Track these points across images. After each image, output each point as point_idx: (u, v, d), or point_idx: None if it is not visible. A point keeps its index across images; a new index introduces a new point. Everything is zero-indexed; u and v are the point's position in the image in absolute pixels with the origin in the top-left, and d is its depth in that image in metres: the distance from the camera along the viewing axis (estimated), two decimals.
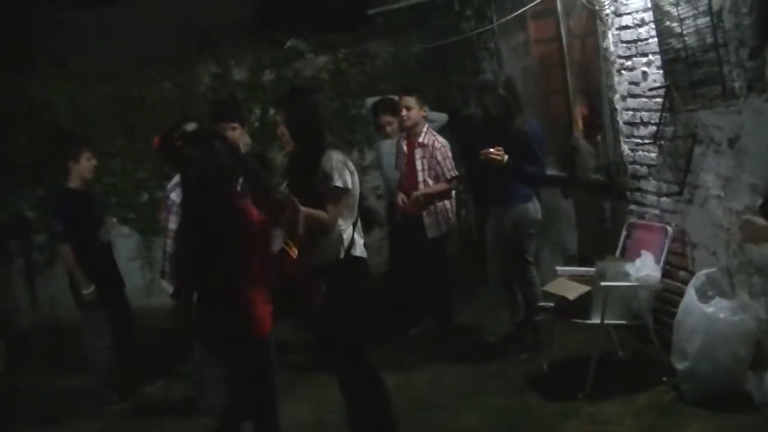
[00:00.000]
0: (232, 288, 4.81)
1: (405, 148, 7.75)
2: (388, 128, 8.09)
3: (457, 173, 7.78)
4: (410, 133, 7.73)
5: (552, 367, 6.69)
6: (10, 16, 10.12)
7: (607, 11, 6.84)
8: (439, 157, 7.64)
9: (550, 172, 7.56)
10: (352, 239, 5.30)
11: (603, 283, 6.06)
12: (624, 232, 6.73)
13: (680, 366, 5.71)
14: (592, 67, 7.27)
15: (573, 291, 6.34)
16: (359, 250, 5.37)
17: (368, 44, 10.29)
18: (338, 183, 5.16)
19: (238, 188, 5.45)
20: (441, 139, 7.77)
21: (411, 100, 7.64)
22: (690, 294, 5.73)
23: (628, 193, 6.97)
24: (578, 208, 7.95)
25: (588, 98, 7.48)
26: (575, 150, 7.65)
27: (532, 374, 6.71)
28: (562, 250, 8.18)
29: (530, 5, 7.88)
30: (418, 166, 7.66)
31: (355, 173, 5.36)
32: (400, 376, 6.69)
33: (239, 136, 6.82)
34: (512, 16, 8.23)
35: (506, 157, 6.69)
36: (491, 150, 6.68)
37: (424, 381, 6.95)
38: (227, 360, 5.16)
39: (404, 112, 7.62)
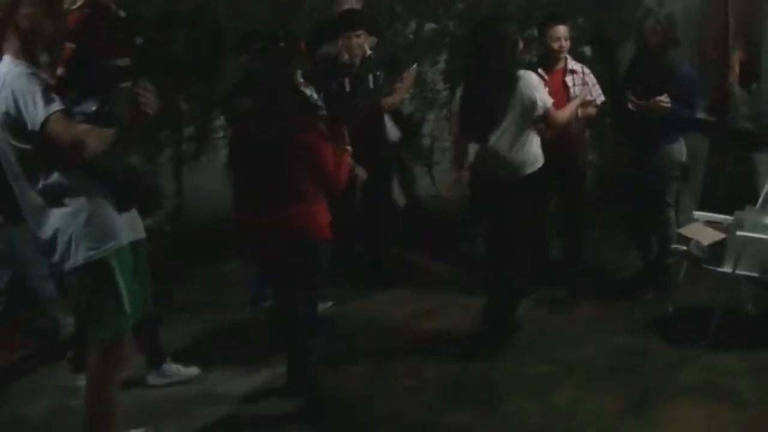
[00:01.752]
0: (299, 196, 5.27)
1: (547, 77, 7.39)
2: None
3: (603, 98, 7.56)
4: (557, 61, 7.52)
5: (677, 311, 6.62)
6: None
7: None
8: (590, 83, 7.45)
9: (701, 115, 7.42)
10: None
11: (739, 233, 5.95)
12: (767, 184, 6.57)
13: None
14: (755, 13, 7.07)
15: (708, 236, 6.25)
16: None
17: None
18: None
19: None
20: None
21: (565, 30, 7.45)
22: None
23: None
24: (725, 154, 7.77)
25: (748, 44, 7.28)
26: (729, 96, 7.47)
27: (657, 316, 6.64)
28: (703, 196, 8.02)
29: None
30: (572, 93, 7.33)
31: None
32: (526, 306, 6.73)
33: (363, 44, 7.26)
34: None
35: (668, 103, 6.55)
36: (660, 98, 6.55)
37: (549, 311, 6.99)
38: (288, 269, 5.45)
39: (562, 43, 7.35)
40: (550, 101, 6.15)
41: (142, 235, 4.78)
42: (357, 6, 7.69)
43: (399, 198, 7.60)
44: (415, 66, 7.96)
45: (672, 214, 6.96)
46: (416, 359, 6.20)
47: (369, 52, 7.41)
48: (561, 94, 7.29)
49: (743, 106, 7.33)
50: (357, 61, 7.31)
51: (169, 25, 9.33)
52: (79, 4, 4.43)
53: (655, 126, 6.70)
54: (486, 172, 6.20)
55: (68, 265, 4.47)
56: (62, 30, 4.35)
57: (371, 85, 7.39)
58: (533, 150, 6.18)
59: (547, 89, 6.95)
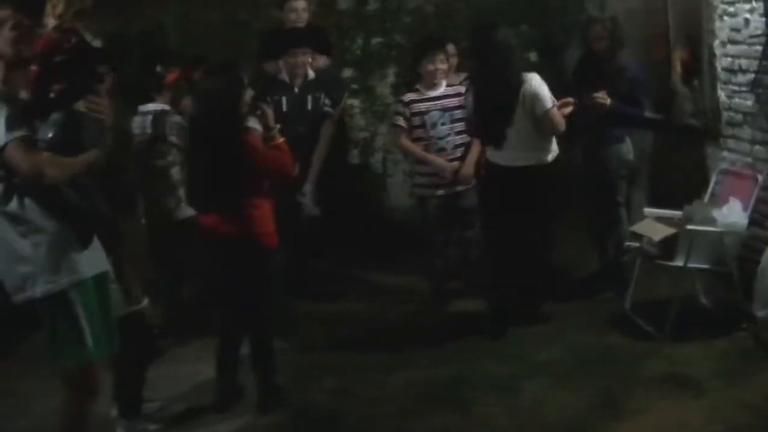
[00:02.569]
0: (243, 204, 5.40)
1: None
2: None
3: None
4: None
5: (635, 307, 6.74)
6: None
7: None
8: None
9: (648, 114, 7.60)
10: None
11: (689, 227, 6.13)
12: (714, 178, 6.76)
13: (761, 314, 5.77)
14: (694, 11, 7.25)
15: (659, 232, 6.40)
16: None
17: None
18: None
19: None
20: None
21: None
22: None
23: (722, 140, 6.98)
24: (672, 151, 7.95)
25: (688, 43, 7.47)
26: (672, 94, 7.66)
27: (616, 313, 6.79)
28: (653, 193, 8.19)
29: None
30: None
31: None
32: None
33: (306, 63, 7.31)
34: None
35: (608, 101, 6.76)
36: (597, 95, 6.74)
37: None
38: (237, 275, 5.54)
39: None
40: (551, 102, 6.44)
41: (106, 267, 4.74)
42: (303, 19, 7.70)
43: (313, 209, 7.61)
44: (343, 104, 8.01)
45: (623, 212, 7.13)
46: (382, 367, 6.31)
47: (311, 73, 7.43)
48: None
49: (687, 103, 7.52)
50: (298, 80, 7.33)
51: (118, 48, 9.41)
52: (49, 28, 4.45)
53: (602, 126, 6.87)
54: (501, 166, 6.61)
55: (24, 297, 4.42)
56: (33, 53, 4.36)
57: (309, 107, 7.41)
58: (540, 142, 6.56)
59: None
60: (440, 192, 7.26)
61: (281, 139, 5.58)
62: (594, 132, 6.95)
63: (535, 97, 6.42)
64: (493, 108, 6.54)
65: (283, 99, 7.29)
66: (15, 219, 4.34)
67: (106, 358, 4.79)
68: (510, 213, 6.58)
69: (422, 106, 7.23)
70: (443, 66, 7.20)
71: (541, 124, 6.45)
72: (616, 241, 7.11)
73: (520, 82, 6.43)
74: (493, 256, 6.91)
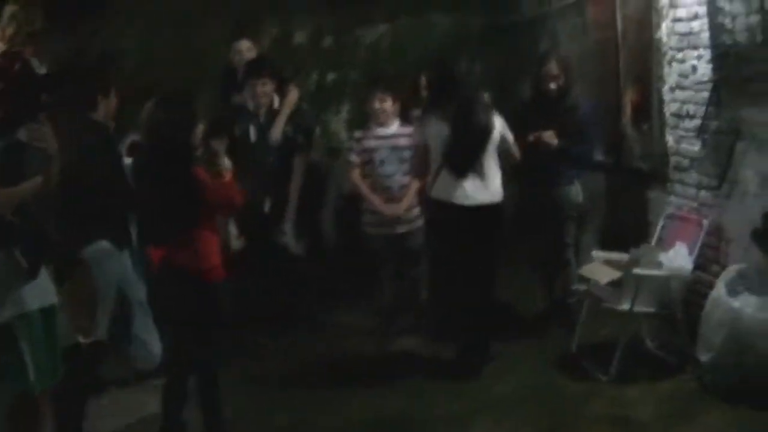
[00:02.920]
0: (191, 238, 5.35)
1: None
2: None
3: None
4: None
5: (581, 348, 6.77)
6: None
7: (663, 2, 6.91)
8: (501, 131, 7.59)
9: (598, 156, 7.69)
10: None
11: (635, 270, 6.17)
12: (661, 222, 6.83)
13: (704, 357, 5.80)
14: (644, 56, 7.34)
15: (606, 275, 6.45)
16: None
17: (429, 15, 10.34)
18: None
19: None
20: None
21: None
22: (719, 287, 5.82)
23: (669, 184, 7.05)
24: (620, 194, 8.03)
25: (638, 86, 7.55)
26: (622, 136, 7.74)
27: (562, 354, 6.81)
28: (602, 235, 8.26)
29: None
30: None
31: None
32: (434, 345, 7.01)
33: (269, 92, 7.31)
34: None
35: (556, 141, 6.83)
36: (543, 134, 6.82)
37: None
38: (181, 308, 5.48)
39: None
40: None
41: (53, 300, 4.68)
42: (251, 54, 7.76)
43: (296, 247, 7.61)
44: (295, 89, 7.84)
45: (571, 254, 7.19)
46: (332, 403, 6.30)
47: (277, 102, 7.42)
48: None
49: (636, 146, 7.60)
50: (262, 110, 7.33)
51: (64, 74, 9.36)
52: None
53: (551, 166, 6.93)
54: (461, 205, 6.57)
55: None
56: None
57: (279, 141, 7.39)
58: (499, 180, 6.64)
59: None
60: (385, 230, 7.28)
61: (228, 173, 5.57)
62: (543, 172, 6.99)
63: (502, 131, 6.60)
64: (466, 143, 6.57)
65: (250, 128, 7.33)
66: None
67: (49, 389, 4.72)
68: (467, 251, 6.60)
69: (372, 144, 7.27)
70: (388, 105, 7.24)
71: (505, 159, 6.55)
72: (564, 283, 7.15)
73: (492, 119, 6.56)
74: (446, 294, 6.93)
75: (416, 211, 7.30)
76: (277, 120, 7.34)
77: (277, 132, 7.32)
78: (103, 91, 5.78)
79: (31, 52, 4.55)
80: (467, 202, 6.55)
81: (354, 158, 7.31)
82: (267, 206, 7.29)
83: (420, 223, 7.28)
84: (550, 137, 6.84)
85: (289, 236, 7.43)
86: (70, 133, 5.01)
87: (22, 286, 4.42)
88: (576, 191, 7.08)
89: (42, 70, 4.56)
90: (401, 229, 7.28)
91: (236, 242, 6.97)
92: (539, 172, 7.04)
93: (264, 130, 7.35)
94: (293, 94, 7.61)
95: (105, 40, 9.44)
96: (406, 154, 7.20)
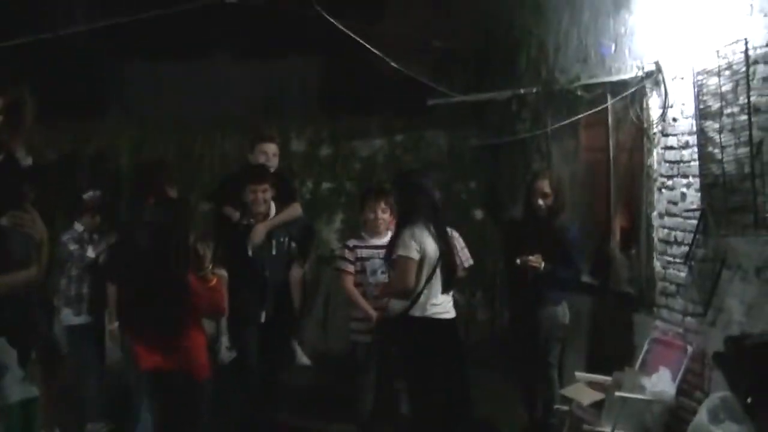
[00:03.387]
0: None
1: None
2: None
3: (472, 262, 7.70)
4: None
5: None
6: (90, 66, 10.57)
7: (655, 130, 7.03)
8: (458, 246, 7.51)
9: (585, 278, 7.73)
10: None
11: (618, 393, 6.16)
12: (646, 346, 6.82)
13: None
14: (634, 181, 7.43)
15: (588, 397, 6.45)
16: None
17: (424, 132, 10.52)
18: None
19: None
20: None
21: None
22: (702, 414, 5.76)
23: (656, 309, 7.08)
24: (606, 316, 8.05)
25: (628, 211, 7.63)
26: (610, 259, 7.79)
27: None
28: (587, 356, 8.25)
29: (584, 114, 8.09)
30: None
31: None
32: None
33: (269, 200, 7.22)
34: (566, 122, 8.43)
35: (543, 264, 6.88)
36: (530, 258, 6.87)
37: None
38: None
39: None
40: None
41: (34, 393, 4.57)
42: (274, 164, 7.66)
43: (303, 359, 7.58)
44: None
45: (555, 374, 7.17)
46: None
47: (273, 211, 7.33)
48: None
49: (624, 270, 7.64)
50: (260, 217, 7.21)
51: (72, 167, 9.48)
52: None
53: (538, 287, 6.97)
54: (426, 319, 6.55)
55: None
56: None
57: (274, 251, 7.30)
58: None
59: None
60: (371, 338, 7.25)
61: (215, 279, 5.60)
62: (530, 293, 7.02)
63: (463, 249, 6.93)
64: (447, 260, 6.65)
65: (248, 245, 7.20)
66: None
67: None
68: (447, 365, 6.59)
69: (364, 253, 7.30)
70: (384, 215, 7.30)
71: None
72: (545, 402, 7.11)
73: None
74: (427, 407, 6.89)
75: None
76: (266, 223, 7.25)
77: (258, 235, 7.20)
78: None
79: (18, 142, 4.54)
80: (446, 317, 6.61)
81: (347, 266, 7.32)
82: (263, 317, 7.22)
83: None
84: (536, 261, 6.88)
85: (296, 348, 7.37)
86: None
87: (3, 377, 4.31)
88: (563, 312, 7.11)
89: (28, 161, 4.56)
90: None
91: (227, 354, 6.97)
92: (526, 292, 7.07)
93: (263, 248, 7.25)
94: (295, 209, 7.60)
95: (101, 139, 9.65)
96: None
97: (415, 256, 6.42)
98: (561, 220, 7.14)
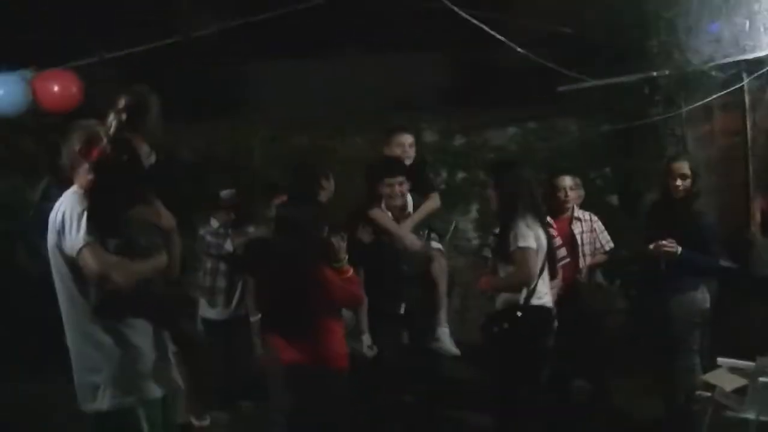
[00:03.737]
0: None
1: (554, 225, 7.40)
2: None
3: (612, 245, 7.69)
4: (563, 210, 7.64)
5: None
6: (221, 67, 10.83)
7: None
8: (598, 229, 7.61)
9: (724, 263, 7.57)
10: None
11: (762, 379, 6.04)
12: None
13: None
14: None
15: (731, 382, 6.33)
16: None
17: (556, 120, 10.46)
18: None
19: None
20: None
21: (570, 180, 7.68)
22: None
23: None
24: (747, 301, 7.88)
25: None
26: (750, 244, 7.63)
27: None
28: (728, 341, 8.09)
29: (719, 94, 7.95)
30: (579, 241, 7.55)
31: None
32: None
33: (405, 193, 7.10)
34: (700, 104, 8.28)
35: (679, 249, 6.75)
36: (664, 242, 6.74)
37: None
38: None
39: (567, 193, 7.58)
40: None
41: (179, 385, 4.74)
42: (410, 156, 7.52)
43: (451, 349, 7.52)
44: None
45: (697, 360, 7.01)
46: None
47: (410, 205, 7.22)
48: (568, 241, 7.48)
49: (764, 254, 7.47)
50: (396, 210, 7.11)
51: (206, 167, 9.75)
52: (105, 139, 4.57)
53: (674, 272, 6.83)
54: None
55: (92, 407, 4.43)
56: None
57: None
58: None
59: (557, 237, 7.21)
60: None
61: (350, 270, 5.70)
62: (666, 278, 6.89)
63: (603, 232, 7.35)
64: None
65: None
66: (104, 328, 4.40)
67: None
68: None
69: None
70: None
71: None
72: (687, 390, 6.98)
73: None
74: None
75: None
76: (410, 219, 7.19)
77: (406, 230, 7.13)
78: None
79: (141, 140, 4.69)
80: (550, 305, 6.57)
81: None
82: (402, 308, 7.25)
83: None
84: (671, 245, 6.75)
85: (444, 340, 7.34)
86: None
87: (149, 371, 4.48)
88: (702, 297, 6.93)
89: (151, 159, 4.71)
90: None
91: (368, 351, 7.03)
92: (662, 278, 6.95)
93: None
94: (434, 201, 7.47)
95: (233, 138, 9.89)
96: None
97: (534, 245, 6.33)
98: (698, 203, 6.97)
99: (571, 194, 7.60)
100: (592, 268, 7.65)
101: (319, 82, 11.12)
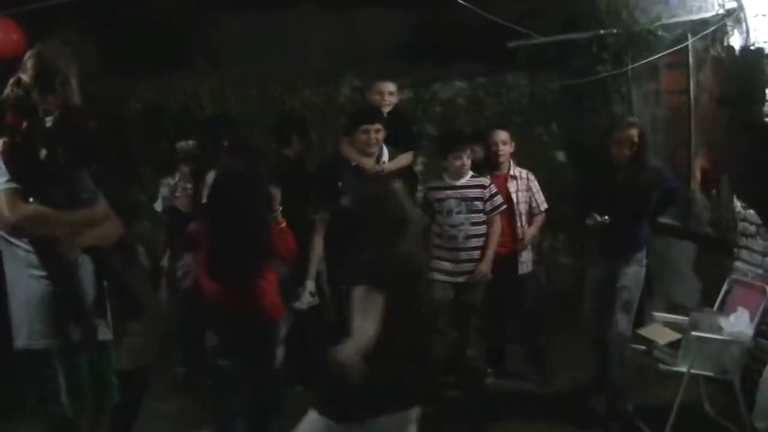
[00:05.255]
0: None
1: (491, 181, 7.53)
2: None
3: (546, 206, 7.76)
4: (498, 165, 7.69)
5: (637, 409, 6.73)
6: (173, 18, 10.70)
7: None
8: (534, 188, 7.69)
9: (665, 220, 7.67)
10: None
11: (694, 333, 6.15)
12: (725, 287, 6.77)
13: (760, 425, 5.75)
14: (716, 122, 7.35)
15: (664, 337, 6.45)
16: None
17: (506, 76, 10.48)
18: None
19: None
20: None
21: (506, 135, 7.71)
22: None
23: (736, 250, 7.03)
24: (686, 258, 8.01)
25: (709, 152, 7.56)
26: (691, 201, 7.73)
27: (618, 414, 6.75)
28: (667, 298, 8.24)
29: (663, 53, 8.02)
30: (514, 199, 7.60)
31: None
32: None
33: (381, 141, 7.10)
34: (645, 62, 8.35)
35: (606, 219, 6.70)
36: (600, 218, 6.70)
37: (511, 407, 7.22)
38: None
39: (500, 147, 7.61)
40: None
41: (108, 336, 4.74)
42: (390, 103, 7.57)
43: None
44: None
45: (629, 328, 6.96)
46: None
47: (386, 154, 7.22)
48: (504, 198, 7.52)
49: (704, 212, 7.58)
50: (368, 162, 7.10)
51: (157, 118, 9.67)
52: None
53: (620, 242, 6.81)
54: None
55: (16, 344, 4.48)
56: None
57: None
58: None
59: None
60: (448, 278, 7.38)
61: (283, 222, 5.72)
62: (611, 247, 6.87)
63: (538, 192, 7.67)
64: None
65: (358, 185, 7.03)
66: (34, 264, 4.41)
67: (96, 413, 4.75)
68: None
69: (441, 195, 7.39)
70: (468, 161, 7.37)
71: None
72: (617, 356, 6.88)
73: None
74: None
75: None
76: (388, 166, 7.17)
77: (371, 164, 7.13)
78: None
79: (55, 105, 4.62)
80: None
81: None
82: None
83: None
84: (601, 220, 6.71)
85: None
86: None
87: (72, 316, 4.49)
88: (641, 271, 6.89)
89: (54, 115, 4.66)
90: (459, 279, 7.38)
91: (309, 298, 7.05)
92: (607, 243, 6.92)
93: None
94: (407, 157, 7.46)
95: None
96: (477, 204, 7.31)
97: None
98: (647, 172, 6.75)
99: (504, 149, 7.63)
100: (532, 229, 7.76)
101: (275, 35, 11.04)
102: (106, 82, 8.96)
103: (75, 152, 4.45)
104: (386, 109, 7.44)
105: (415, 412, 4.58)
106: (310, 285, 7.10)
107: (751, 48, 6.65)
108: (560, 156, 10.45)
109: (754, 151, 5.80)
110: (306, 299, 7.03)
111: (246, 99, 10.16)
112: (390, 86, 7.64)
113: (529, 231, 7.65)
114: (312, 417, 4.52)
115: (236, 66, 10.25)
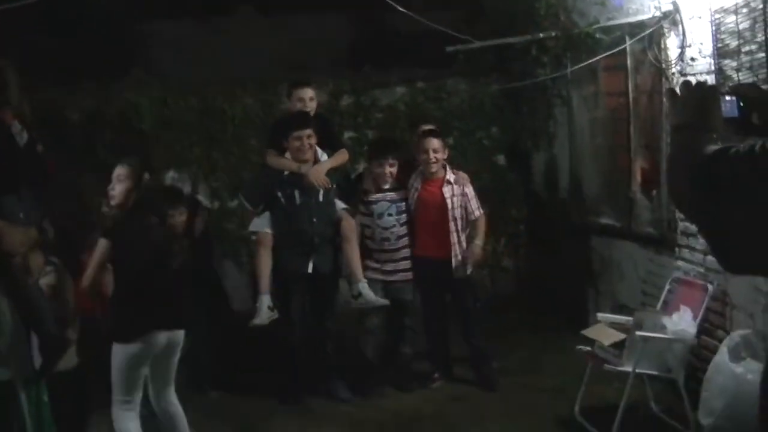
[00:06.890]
0: None
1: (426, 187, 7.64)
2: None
3: (479, 213, 7.69)
4: (431, 172, 7.64)
5: (583, 410, 6.74)
6: (111, 26, 10.59)
7: (673, 70, 7.00)
8: (469, 194, 7.64)
9: (607, 221, 7.73)
10: None
11: (638, 333, 6.19)
12: (667, 286, 6.83)
13: (705, 422, 5.80)
14: (654, 124, 7.42)
15: (609, 337, 6.47)
16: None
17: (446, 81, 10.50)
18: None
19: None
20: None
21: (438, 142, 7.65)
22: (722, 353, 5.83)
23: (677, 249, 7.09)
24: (629, 259, 8.08)
25: (649, 153, 7.62)
26: (632, 202, 7.80)
27: (564, 415, 6.80)
28: (611, 299, 8.30)
29: (601, 56, 8.07)
30: (449, 205, 7.54)
31: None
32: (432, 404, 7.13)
33: (314, 145, 7.20)
34: (584, 65, 8.39)
35: None
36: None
37: (458, 410, 7.20)
38: None
39: (430, 155, 7.54)
40: None
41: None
42: (313, 104, 7.61)
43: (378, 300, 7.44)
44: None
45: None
46: None
47: (322, 156, 7.32)
48: (438, 204, 7.58)
49: (645, 212, 7.65)
50: (305, 166, 7.17)
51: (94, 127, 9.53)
52: None
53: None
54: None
55: None
56: None
57: (321, 198, 7.29)
58: None
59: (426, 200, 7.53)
60: (381, 277, 7.57)
61: None
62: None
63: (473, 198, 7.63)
64: None
65: (295, 192, 7.22)
66: None
67: None
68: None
69: (372, 197, 7.59)
70: (394, 169, 7.53)
71: None
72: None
73: None
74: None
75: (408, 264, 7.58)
76: (321, 164, 7.26)
77: (317, 175, 7.18)
78: None
79: (9, 117, 4.54)
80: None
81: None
82: (310, 267, 7.28)
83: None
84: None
85: (366, 293, 7.17)
86: None
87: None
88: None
89: (24, 135, 4.58)
90: (394, 278, 7.57)
91: (268, 313, 6.98)
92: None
93: (310, 192, 7.24)
94: (343, 154, 7.61)
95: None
96: (402, 206, 7.54)
97: None
98: None
99: (436, 156, 7.57)
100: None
101: (214, 42, 10.99)
102: (43, 95, 8.79)
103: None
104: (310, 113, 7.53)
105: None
106: (267, 299, 7.04)
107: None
108: (501, 160, 10.50)
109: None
110: (265, 314, 6.96)
111: (186, 108, 10.05)
112: (309, 92, 7.66)
113: (475, 242, 7.60)
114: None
115: (176, 75, 10.17)
